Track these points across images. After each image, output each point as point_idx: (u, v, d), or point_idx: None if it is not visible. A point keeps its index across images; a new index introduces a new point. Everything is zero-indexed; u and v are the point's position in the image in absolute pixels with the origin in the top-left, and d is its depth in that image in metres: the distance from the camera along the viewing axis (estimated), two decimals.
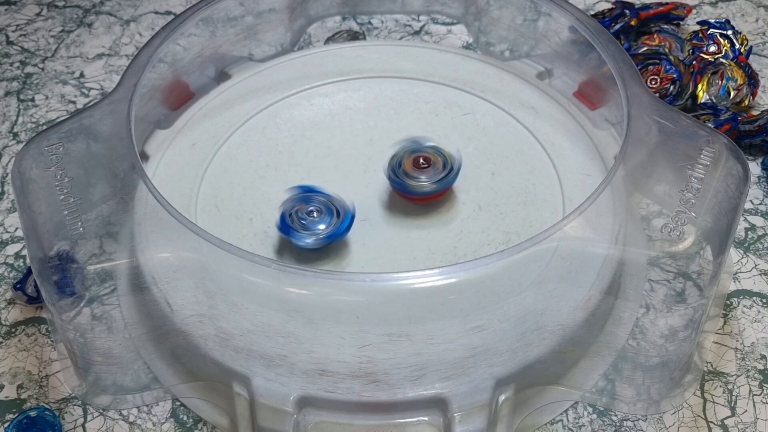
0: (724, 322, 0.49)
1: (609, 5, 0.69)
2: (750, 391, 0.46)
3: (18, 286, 0.51)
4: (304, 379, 0.42)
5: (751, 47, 0.64)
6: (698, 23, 0.66)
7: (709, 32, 0.64)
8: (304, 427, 0.42)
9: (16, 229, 0.55)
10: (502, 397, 0.42)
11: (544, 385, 0.45)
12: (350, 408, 0.42)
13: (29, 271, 0.51)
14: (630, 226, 0.44)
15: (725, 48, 0.63)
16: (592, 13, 0.69)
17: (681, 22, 0.69)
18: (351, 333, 0.42)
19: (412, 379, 0.42)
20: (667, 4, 0.68)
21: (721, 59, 0.63)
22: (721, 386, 0.47)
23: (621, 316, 0.46)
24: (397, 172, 0.48)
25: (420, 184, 0.48)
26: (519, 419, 0.44)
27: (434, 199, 0.49)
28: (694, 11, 0.71)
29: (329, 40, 0.68)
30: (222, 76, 0.59)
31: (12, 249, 0.54)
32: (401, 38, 0.69)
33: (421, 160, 0.48)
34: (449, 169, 0.48)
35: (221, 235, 0.40)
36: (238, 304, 0.43)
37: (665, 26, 0.66)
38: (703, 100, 0.61)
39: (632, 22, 0.65)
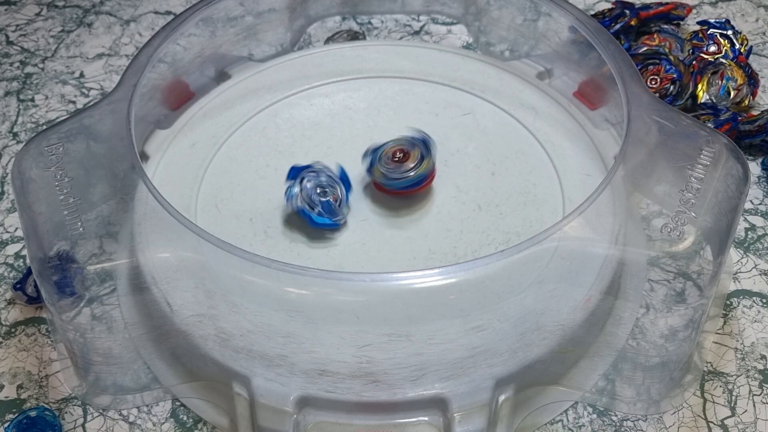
0: (724, 322, 0.49)
1: (609, 5, 0.69)
2: (750, 391, 0.46)
3: (18, 286, 0.51)
4: (304, 379, 0.42)
5: (751, 47, 0.64)
6: (698, 23, 0.66)
7: (709, 32, 0.64)
8: (304, 427, 0.42)
9: (16, 229, 0.55)
10: (502, 397, 0.42)
11: (544, 385, 0.45)
12: (350, 408, 0.42)
13: (29, 271, 0.51)
14: (630, 226, 0.44)
15: (725, 48, 0.63)
16: (592, 13, 0.69)
17: (681, 22, 0.69)
18: (351, 333, 0.42)
19: (412, 379, 0.42)
20: (667, 4, 0.68)
21: (721, 59, 0.63)
22: (721, 386, 0.47)
23: (621, 316, 0.46)
24: (377, 168, 0.48)
25: (401, 177, 0.47)
26: (519, 419, 0.44)
27: (416, 191, 0.49)
28: (694, 11, 0.71)
29: (329, 40, 0.68)
30: (222, 76, 0.59)
31: (12, 249, 0.54)
32: (401, 38, 0.69)
33: (397, 153, 0.48)
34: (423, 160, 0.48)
35: (221, 235, 0.40)
36: (238, 304, 0.43)
37: (665, 26, 0.66)
38: (703, 100, 0.61)
39: (632, 22, 0.65)
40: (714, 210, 0.42)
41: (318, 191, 0.47)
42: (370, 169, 0.49)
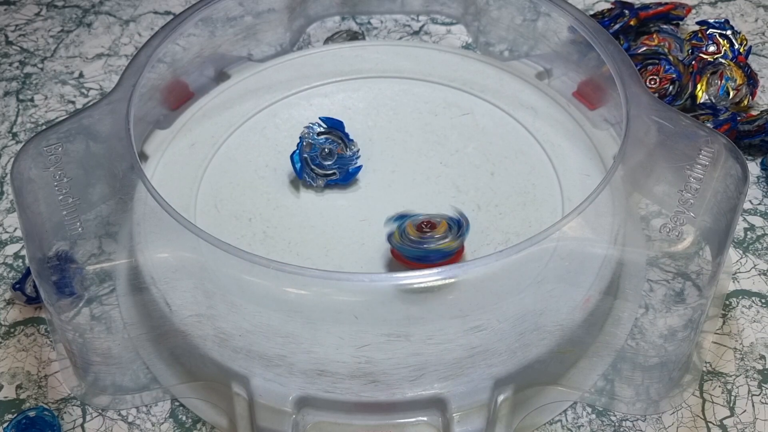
0: (723, 322, 0.49)
1: (608, 5, 0.69)
2: (749, 391, 0.46)
3: (17, 286, 0.51)
4: (303, 379, 0.42)
5: (750, 47, 0.64)
6: (697, 23, 0.66)
7: (708, 32, 0.64)
8: (303, 427, 0.42)
9: (15, 229, 0.55)
10: (500, 398, 0.42)
11: (543, 385, 0.45)
12: (349, 408, 0.42)
13: (28, 272, 0.51)
14: (629, 226, 0.44)
15: (724, 48, 0.63)
16: (592, 13, 0.69)
17: (680, 22, 0.69)
18: (350, 333, 0.42)
19: (411, 380, 0.42)
20: (666, 4, 0.68)
21: (721, 59, 0.63)
22: (720, 386, 0.47)
23: (620, 317, 0.46)
24: (411, 244, 0.44)
25: (437, 246, 0.44)
26: (518, 419, 0.44)
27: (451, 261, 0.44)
28: (693, 11, 0.71)
29: (328, 40, 0.68)
30: (221, 76, 0.59)
31: (11, 249, 0.54)
32: (400, 38, 0.69)
33: (423, 225, 0.45)
34: (459, 226, 0.45)
35: (220, 236, 0.40)
36: (237, 304, 0.43)
37: (664, 26, 0.66)
38: (702, 100, 0.61)
39: (631, 22, 0.65)
40: (713, 210, 0.42)
41: (323, 154, 0.50)
42: (390, 236, 0.45)
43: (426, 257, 0.44)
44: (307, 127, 0.50)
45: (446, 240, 0.44)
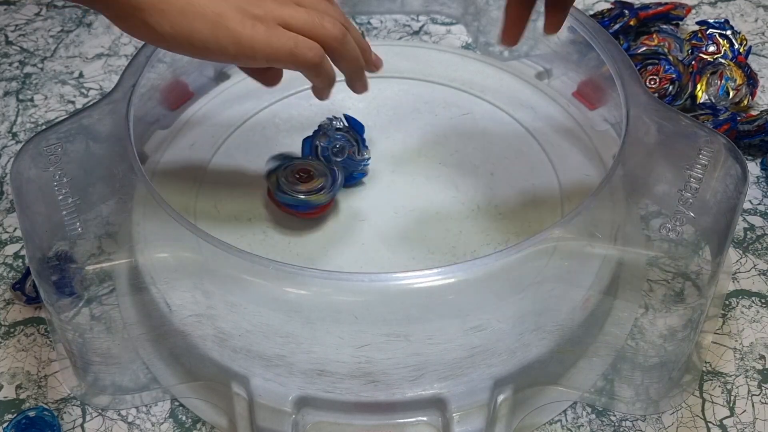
0: (723, 322, 0.49)
1: (608, 5, 0.69)
2: (749, 391, 0.46)
3: (17, 286, 0.51)
4: (303, 379, 0.42)
5: (750, 47, 0.64)
6: (697, 23, 0.66)
7: (708, 32, 0.64)
8: (303, 427, 0.42)
9: (15, 229, 0.55)
10: (500, 398, 0.42)
11: (543, 385, 0.45)
12: (349, 408, 0.42)
13: (28, 272, 0.51)
14: (629, 226, 0.44)
15: (724, 48, 0.63)
16: (592, 13, 0.69)
17: (680, 22, 0.69)
18: (349, 333, 0.42)
19: (411, 379, 0.42)
20: (666, 4, 0.68)
21: (720, 59, 0.63)
22: (719, 386, 0.47)
23: (620, 316, 0.46)
24: (282, 189, 0.47)
25: (314, 197, 0.47)
26: (518, 419, 0.44)
27: (303, 214, 0.48)
28: (693, 11, 0.71)
29: None
30: (221, 77, 0.59)
31: (11, 249, 0.54)
32: (400, 38, 0.69)
33: (301, 173, 0.48)
34: (333, 178, 0.48)
35: (220, 236, 0.40)
36: (237, 304, 0.43)
37: (664, 26, 0.66)
38: (702, 100, 0.61)
39: (631, 22, 0.65)
40: (713, 210, 0.42)
41: (334, 150, 0.49)
42: (268, 174, 0.47)
43: (296, 206, 0.47)
44: (329, 119, 0.50)
45: (319, 193, 0.47)
